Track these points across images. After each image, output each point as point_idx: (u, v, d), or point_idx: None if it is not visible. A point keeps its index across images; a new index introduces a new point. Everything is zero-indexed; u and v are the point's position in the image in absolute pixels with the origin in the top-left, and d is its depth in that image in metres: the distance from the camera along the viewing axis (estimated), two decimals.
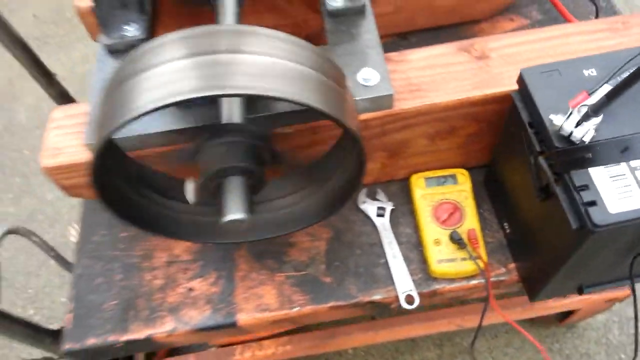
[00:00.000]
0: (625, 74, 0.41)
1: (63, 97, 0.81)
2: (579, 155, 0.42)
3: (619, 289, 0.80)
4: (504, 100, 0.52)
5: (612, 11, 0.77)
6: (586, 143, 0.41)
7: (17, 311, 1.11)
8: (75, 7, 0.66)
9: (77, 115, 0.55)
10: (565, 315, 1.04)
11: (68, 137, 0.54)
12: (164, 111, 0.47)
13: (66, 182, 0.55)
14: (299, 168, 0.54)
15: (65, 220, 1.35)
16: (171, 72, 0.36)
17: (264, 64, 0.37)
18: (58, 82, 0.80)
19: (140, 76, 0.37)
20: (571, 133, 0.41)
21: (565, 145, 0.42)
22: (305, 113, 0.45)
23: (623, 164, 0.42)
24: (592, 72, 0.46)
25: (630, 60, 0.43)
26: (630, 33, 0.56)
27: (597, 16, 0.72)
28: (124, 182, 0.49)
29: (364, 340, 0.93)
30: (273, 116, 0.50)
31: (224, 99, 0.48)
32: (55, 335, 0.61)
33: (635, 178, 0.41)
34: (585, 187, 0.41)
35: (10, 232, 0.60)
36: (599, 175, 0.41)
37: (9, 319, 0.58)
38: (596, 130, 0.41)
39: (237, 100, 0.48)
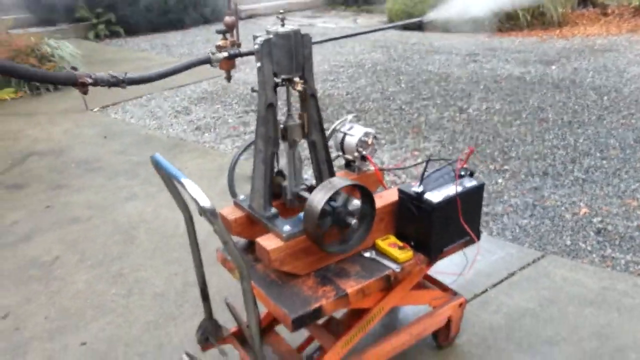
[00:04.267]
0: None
1: None
2: (423, 192, 1.61)
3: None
4: (394, 203, 1.71)
5: None
6: (422, 191, 1.62)
7: None
8: None
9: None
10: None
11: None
12: None
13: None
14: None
15: None
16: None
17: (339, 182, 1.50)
18: None
19: None
20: (420, 191, 1.62)
21: (418, 194, 1.62)
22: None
23: (431, 192, 1.63)
24: (413, 183, 1.70)
25: (422, 173, 1.69)
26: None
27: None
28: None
29: None
30: None
31: None
32: None
33: (438, 192, 1.62)
34: (428, 199, 1.60)
35: None
36: (427, 195, 1.61)
37: None
38: (424, 188, 1.62)
39: None
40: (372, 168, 1.94)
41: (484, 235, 2.75)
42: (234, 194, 1.81)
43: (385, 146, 4.06)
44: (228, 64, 1.62)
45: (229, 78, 1.68)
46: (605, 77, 5.52)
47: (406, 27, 8.48)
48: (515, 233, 2.81)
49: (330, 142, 2.00)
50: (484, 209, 3.05)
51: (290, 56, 1.51)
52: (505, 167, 3.59)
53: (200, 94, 5.76)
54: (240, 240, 1.78)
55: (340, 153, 1.97)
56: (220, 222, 1.25)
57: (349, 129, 1.93)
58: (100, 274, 2.71)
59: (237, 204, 1.75)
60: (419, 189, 1.63)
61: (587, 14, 9.01)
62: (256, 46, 1.49)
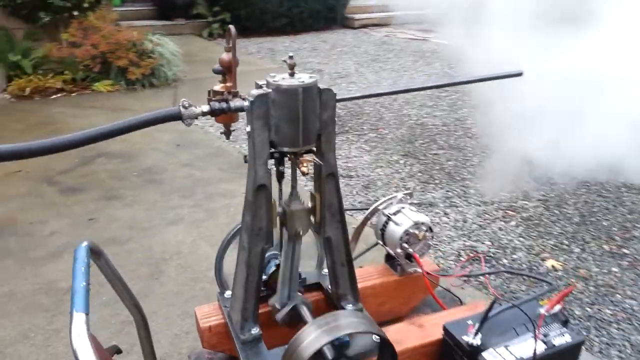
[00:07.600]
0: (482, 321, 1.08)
1: None
2: (480, 348, 1.04)
3: None
4: (437, 343, 1.15)
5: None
6: (480, 345, 1.04)
7: None
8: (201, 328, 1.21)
9: None
10: None
11: None
12: None
13: None
14: None
15: None
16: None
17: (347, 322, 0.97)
18: None
19: None
20: (476, 344, 1.05)
21: (472, 348, 1.05)
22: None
23: (494, 349, 1.05)
24: (470, 321, 1.13)
25: (485, 315, 1.11)
26: (478, 308, 1.26)
27: (461, 304, 1.44)
28: None
29: None
30: None
31: None
32: None
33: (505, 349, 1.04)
34: None
35: None
36: (487, 354, 1.04)
37: None
38: (483, 339, 1.05)
39: None
40: (419, 270, 1.39)
41: None
42: (222, 286, 1.35)
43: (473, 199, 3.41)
44: (226, 117, 1.16)
45: (227, 134, 1.22)
46: None
47: None
48: (626, 354, 2.08)
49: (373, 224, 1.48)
50: (587, 309, 2.34)
51: (295, 122, 1.01)
52: (625, 250, 2.80)
53: None
54: (218, 354, 1.32)
55: (380, 242, 1.44)
56: None
57: (395, 213, 1.40)
58: (109, 318, 2.39)
59: (220, 304, 1.29)
60: (475, 340, 1.06)
61: None
62: (246, 103, 1.02)
